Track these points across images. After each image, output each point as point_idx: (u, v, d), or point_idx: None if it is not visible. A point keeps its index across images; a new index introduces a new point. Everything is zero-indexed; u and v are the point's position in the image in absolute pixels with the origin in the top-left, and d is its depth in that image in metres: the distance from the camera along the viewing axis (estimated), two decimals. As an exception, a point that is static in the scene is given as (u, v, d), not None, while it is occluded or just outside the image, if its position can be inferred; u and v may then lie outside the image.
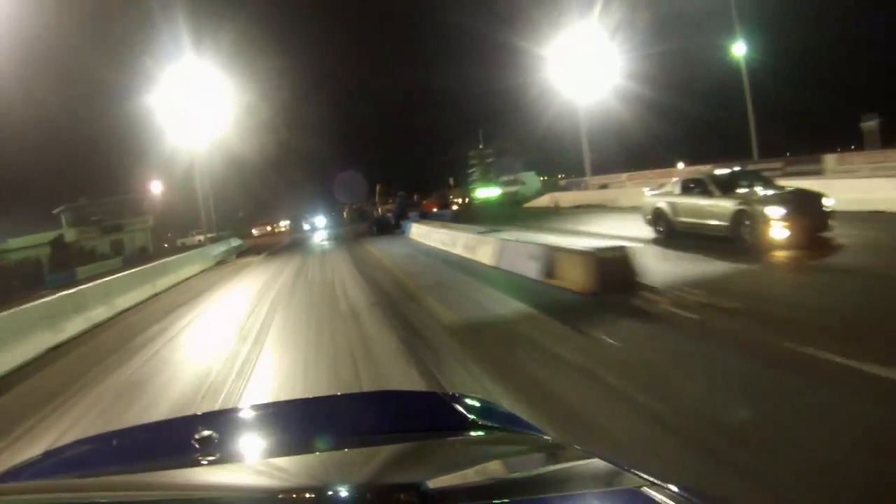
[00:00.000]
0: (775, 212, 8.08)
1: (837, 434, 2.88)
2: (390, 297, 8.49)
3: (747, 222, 8.42)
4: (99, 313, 10.21)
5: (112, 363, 6.86)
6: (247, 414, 1.90)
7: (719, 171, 10.46)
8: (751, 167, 14.48)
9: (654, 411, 3.41)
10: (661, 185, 11.93)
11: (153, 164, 37.56)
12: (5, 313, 8.13)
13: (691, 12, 27.32)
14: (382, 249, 16.62)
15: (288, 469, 1.16)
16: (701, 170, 14.63)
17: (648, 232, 10.92)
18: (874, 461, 2.57)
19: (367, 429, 1.41)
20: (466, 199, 37.62)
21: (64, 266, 32.93)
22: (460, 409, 1.48)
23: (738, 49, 22.76)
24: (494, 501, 0.81)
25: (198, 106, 27.17)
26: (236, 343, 6.80)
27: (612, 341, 4.90)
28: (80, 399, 5.47)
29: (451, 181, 43.95)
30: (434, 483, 0.88)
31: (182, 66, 26.30)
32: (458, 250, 12.19)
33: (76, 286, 11.33)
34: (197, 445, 1.20)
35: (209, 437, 1.22)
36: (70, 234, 40.25)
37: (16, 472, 1.33)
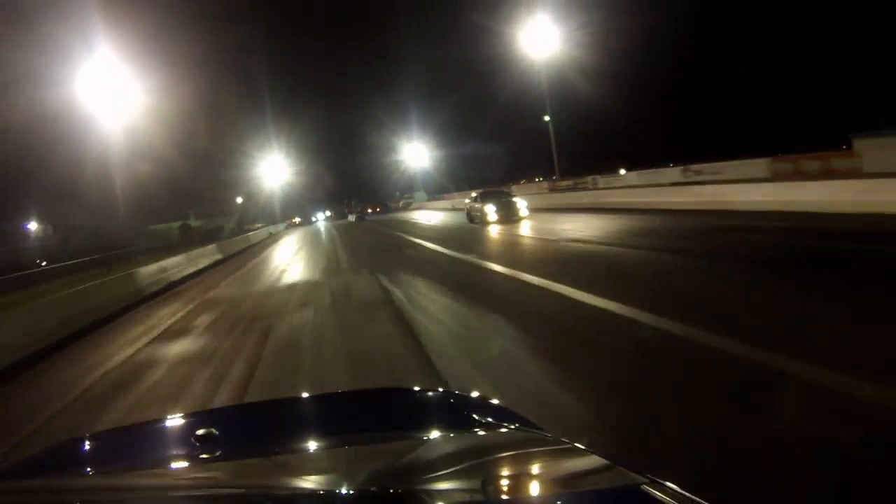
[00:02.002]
0: (490, 209, 17.88)
1: (360, 235, 41.65)
2: (337, 228, 47.01)
3: (483, 214, 18.21)
4: (254, 241, 48.69)
5: (272, 246, 45.52)
6: (247, 412, 1.86)
7: (483, 190, 21.69)
8: (503, 188, 30.97)
9: (343, 229, 42.20)
10: (470, 197, 22.65)
11: (237, 187, 77.54)
12: (236, 237, 46.08)
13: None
14: (341, 222, 55.75)
15: (289, 467, 1.16)
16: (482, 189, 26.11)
17: (452, 218, 49.74)
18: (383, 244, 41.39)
19: (369, 427, 1.41)
20: (379, 208, 75.26)
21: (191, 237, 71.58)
22: (461, 406, 1.51)
23: (546, 117, 35.97)
24: (495, 500, 0.83)
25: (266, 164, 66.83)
26: (303, 236, 45.58)
27: (351, 225, 43.62)
28: (270, 249, 44.16)
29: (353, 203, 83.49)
30: (436, 481, 0.91)
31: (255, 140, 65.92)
32: (352, 219, 51.20)
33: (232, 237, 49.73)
34: (197, 444, 1.22)
35: (209, 434, 1.23)
36: (194, 223, 79.12)
37: (16, 471, 1.34)
